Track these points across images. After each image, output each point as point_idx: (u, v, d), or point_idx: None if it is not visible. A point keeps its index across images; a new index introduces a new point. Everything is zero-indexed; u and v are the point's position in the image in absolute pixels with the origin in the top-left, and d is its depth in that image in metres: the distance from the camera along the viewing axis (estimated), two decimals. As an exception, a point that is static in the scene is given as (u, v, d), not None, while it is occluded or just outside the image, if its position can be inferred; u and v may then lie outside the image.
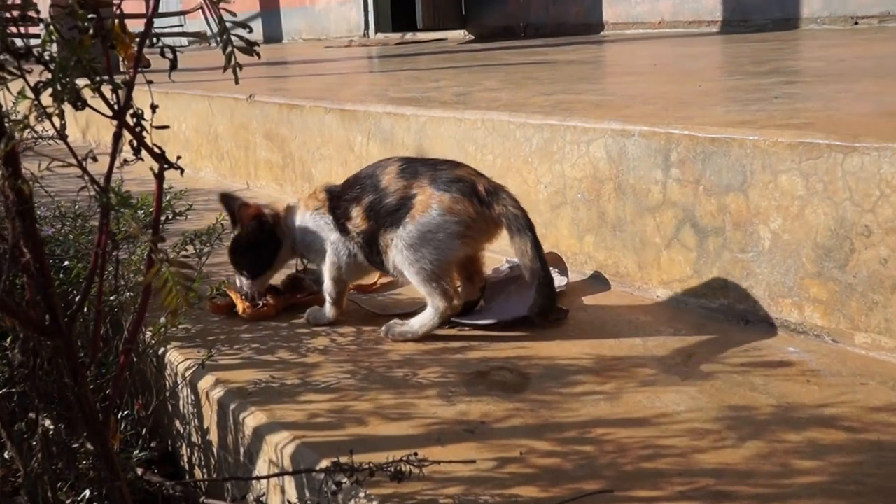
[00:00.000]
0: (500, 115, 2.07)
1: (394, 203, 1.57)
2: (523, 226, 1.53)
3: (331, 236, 1.66)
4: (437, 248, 1.54)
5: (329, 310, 1.69)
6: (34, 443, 1.13)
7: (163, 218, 1.54)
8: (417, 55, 5.10)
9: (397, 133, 2.39)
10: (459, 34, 6.88)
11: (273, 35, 8.77)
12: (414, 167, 1.60)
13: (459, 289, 1.60)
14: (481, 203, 1.54)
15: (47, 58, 0.85)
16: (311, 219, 1.68)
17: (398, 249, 1.56)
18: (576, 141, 1.87)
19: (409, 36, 7.23)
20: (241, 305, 1.73)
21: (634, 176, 1.75)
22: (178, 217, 1.69)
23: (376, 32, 7.53)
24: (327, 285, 1.68)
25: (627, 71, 3.28)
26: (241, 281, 1.72)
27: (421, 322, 1.59)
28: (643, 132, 1.73)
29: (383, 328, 1.61)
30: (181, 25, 8.01)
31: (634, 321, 1.63)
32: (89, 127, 4.44)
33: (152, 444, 1.50)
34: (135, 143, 0.92)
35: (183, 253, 1.59)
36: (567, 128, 1.89)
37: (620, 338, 1.55)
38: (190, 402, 1.50)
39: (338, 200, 1.67)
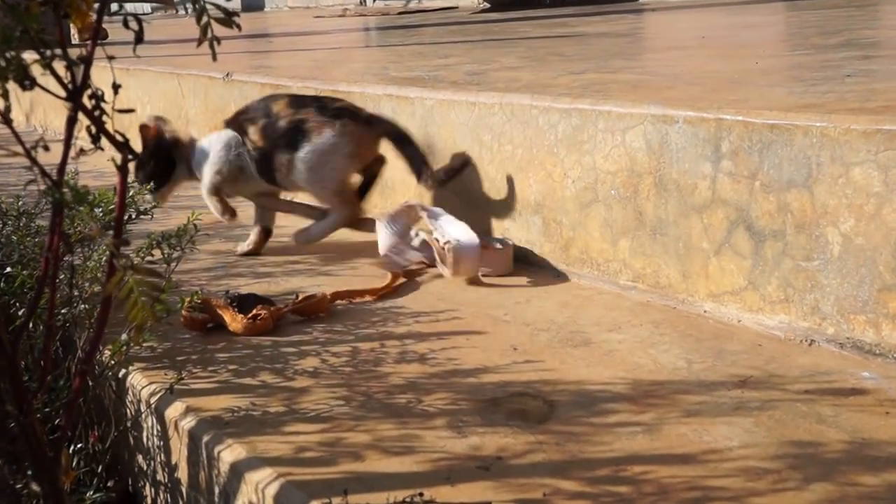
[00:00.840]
0: (521, 99, 2.07)
1: (285, 126, 2.19)
2: (408, 137, 2.20)
3: (223, 142, 2.27)
4: (333, 169, 2.18)
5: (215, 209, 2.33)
6: (-30, 482, 1.13)
7: (125, 217, 1.55)
8: (422, 27, 5.11)
9: (400, 119, 2.39)
10: (472, 2, 6.89)
11: (254, 3, 8.79)
12: (301, 100, 2.26)
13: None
14: (367, 124, 2.20)
15: (-12, 27, 0.86)
16: (209, 138, 2.30)
17: (299, 171, 2.18)
18: (609, 128, 1.87)
19: (413, 4, 7.24)
20: (231, 319, 1.74)
21: (678, 169, 1.75)
22: (142, 216, 1.70)
23: (375, 0, 7.54)
24: (208, 190, 2.31)
25: (671, 45, 3.28)
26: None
27: (323, 227, 2.27)
28: (689, 118, 1.73)
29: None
30: (146, -9, 8.03)
31: (677, 340, 1.63)
32: (34, 109, 4.46)
33: (109, 484, 1.50)
34: (93, 129, 0.92)
35: (148, 258, 1.59)
36: (599, 113, 1.89)
37: (660, 360, 1.55)
38: (155, 433, 1.51)
39: (235, 121, 2.29)
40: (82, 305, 1.60)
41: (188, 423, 1.41)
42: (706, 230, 1.72)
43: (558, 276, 2.01)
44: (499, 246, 2.08)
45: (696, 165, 1.72)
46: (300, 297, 1.86)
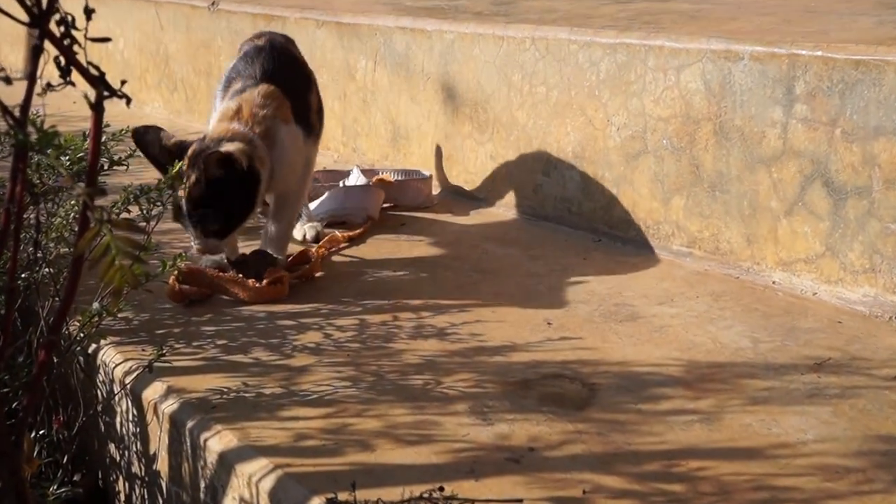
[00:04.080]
0: (558, 32, 2.06)
1: None
2: None
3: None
4: None
5: None
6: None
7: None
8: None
9: (415, 56, 2.38)
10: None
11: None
12: None
13: None
14: None
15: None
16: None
17: None
18: (662, 67, 1.86)
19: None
20: (238, 286, 1.75)
21: (743, 115, 1.74)
22: (115, 167, 1.70)
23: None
24: None
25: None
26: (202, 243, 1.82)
27: None
28: (756, 54, 1.71)
29: None
30: None
31: (740, 315, 1.63)
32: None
33: (76, 477, 1.51)
34: (63, 60, 0.92)
35: (124, 215, 1.59)
36: (650, 49, 1.88)
37: (721, 338, 1.55)
38: (131, 418, 1.51)
39: None
40: (45, 269, 1.59)
41: (169, 406, 1.42)
42: (775, 186, 1.71)
43: (600, 241, 2.00)
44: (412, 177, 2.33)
45: (764, 110, 1.71)
46: (291, 258, 1.89)
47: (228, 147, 1.74)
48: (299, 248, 1.98)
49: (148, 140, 1.78)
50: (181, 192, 1.73)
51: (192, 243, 1.79)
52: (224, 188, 1.74)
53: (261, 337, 1.61)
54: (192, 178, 1.73)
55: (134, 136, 1.76)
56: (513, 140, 2.17)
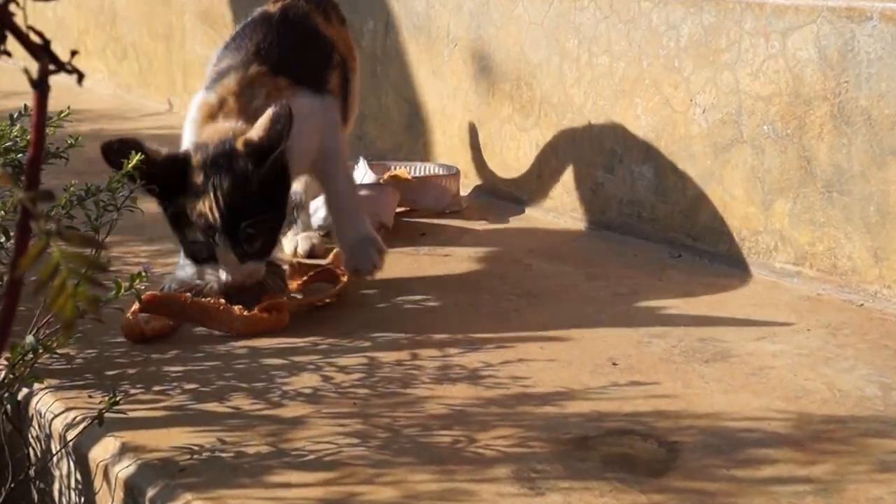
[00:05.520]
0: (625, -17, 2.07)
1: None
2: None
3: None
4: None
5: None
6: None
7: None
8: None
9: (438, 17, 2.39)
10: None
11: None
12: None
13: None
14: None
15: None
16: None
17: None
18: (762, 30, 1.86)
19: None
20: (223, 315, 1.75)
21: (869, 92, 1.74)
22: (53, 159, 1.71)
23: None
24: None
25: None
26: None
27: None
28: (888, 12, 1.71)
29: None
30: None
31: (866, 354, 1.63)
32: None
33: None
34: (-4, 25, 0.93)
35: (65, 223, 1.59)
36: (747, 6, 1.88)
37: (840, 383, 1.55)
38: (73, 484, 1.52)
39: None
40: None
41: (124, 469, 1.42)
42: (911, 187, 1.71)
43: (679, 256, 2.01)
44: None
45: (896, 87, 1.71)
46: (312, 273, 1.93)
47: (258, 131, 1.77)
48: (321, 260, 2.00)
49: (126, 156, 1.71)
50: (203, 209, 1.75)
51: (212, 278, 1.80)
52: (265, 187, 1.77)
53: (242, 380, 1.62)
54: (225, 182, 1.75)
55: (105, 153, 1.73)
56: (566, 125, 2.18)
